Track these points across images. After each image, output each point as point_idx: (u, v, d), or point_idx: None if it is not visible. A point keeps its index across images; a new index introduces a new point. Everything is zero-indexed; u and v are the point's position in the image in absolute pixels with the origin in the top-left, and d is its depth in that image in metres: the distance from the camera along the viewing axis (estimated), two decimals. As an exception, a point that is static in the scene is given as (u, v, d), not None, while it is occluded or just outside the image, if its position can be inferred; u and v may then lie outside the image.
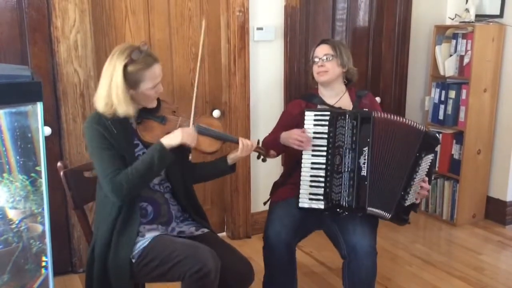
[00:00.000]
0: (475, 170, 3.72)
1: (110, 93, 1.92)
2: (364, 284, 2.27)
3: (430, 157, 2.28)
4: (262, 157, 2.26)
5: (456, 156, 3.73)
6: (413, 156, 2.24)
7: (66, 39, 2.73)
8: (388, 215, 2.25)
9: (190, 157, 2.03)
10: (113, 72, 1.91)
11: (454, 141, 3.73)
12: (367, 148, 2.23)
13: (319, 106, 2.48)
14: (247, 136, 3.34)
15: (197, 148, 2.08)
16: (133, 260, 1.96)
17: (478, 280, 2.97)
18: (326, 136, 2.27)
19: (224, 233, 3.53)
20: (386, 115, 2.27)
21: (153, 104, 2.05)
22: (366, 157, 2.23)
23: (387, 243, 3.42)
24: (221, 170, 2.23)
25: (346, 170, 2.24)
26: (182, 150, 2.05)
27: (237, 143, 2.14)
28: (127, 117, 1.99)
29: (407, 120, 2.29)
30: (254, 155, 2.28)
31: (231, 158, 2.19)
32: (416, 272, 3.07)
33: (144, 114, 2.05)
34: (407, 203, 2.26)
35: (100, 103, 1.96)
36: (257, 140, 2.23)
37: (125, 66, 1.90)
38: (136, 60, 1.91)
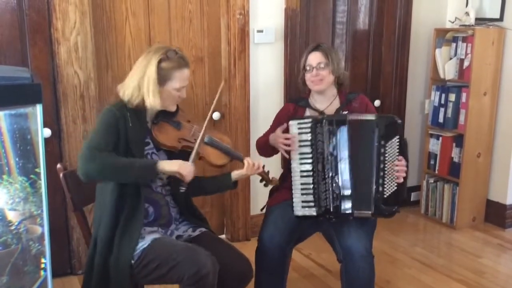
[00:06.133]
0: (475, 173, 3.72)
1: (141, 85, 1.99)
2: (362, 287, 2.27)
3: (394, 140, 2.24)
4: (264, 182, 2.32)
5: (456, 159, 3.72)
6: (374, 147, 2.24)
7: (66, 40, 2.73)
8: (369, 213, 2.25)
9: (182, 190, 2.04)
10: (147, 65, 1.99)
11: (454, 144, 3.73)
12: (346, 151, 2.24)
13: (306, 111, 2.49)
14: (246, 138, 3.34)
15: (206, 159, 2.13)
16: (132, 262, 1.96)
17: (477, 283, 2.96)
18: (309, 143, 2.29)
19: (223, 236, 3.53)
20: (358, 116, 2.29)
21: (173, 108, 2.10)
22: (346, 160, 2.24)
23: (387, 246, 3.42)
24: (224, 186, 2.27)
25: (329, 176, 2.26)
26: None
27: (242, 161, 2.19)
28: (145, 115, 2.05)
29: (365, 116, 2.30)
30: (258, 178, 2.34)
31: (236, 174, 2.22)
32: (415, 275, 3.07)
33: (162, 116, 2.10)
34: (386, 193, 2.25)
35: (127, 92, 2.01)
36: (263, 165, 2.26)
37: (160, 62, 1.98)
38: (170, 58, 2.00)
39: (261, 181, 2.33)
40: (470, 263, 3.22)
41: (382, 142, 2.24)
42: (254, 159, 2.24)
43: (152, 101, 1.99)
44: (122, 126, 1.96)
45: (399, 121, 2.27)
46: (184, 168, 1.96)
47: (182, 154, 2.08)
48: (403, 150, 2.27)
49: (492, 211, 3.81)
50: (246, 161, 2.19)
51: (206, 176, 2.33)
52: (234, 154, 2.22)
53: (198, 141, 2.08)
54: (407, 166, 2.28)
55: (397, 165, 2.23)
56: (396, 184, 2.25)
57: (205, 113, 3.25)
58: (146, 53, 2.04)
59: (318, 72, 2.42)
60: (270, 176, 2.35)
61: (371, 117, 2.28)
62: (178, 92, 2.05)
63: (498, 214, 3.78)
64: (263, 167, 2.26)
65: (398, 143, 2.25)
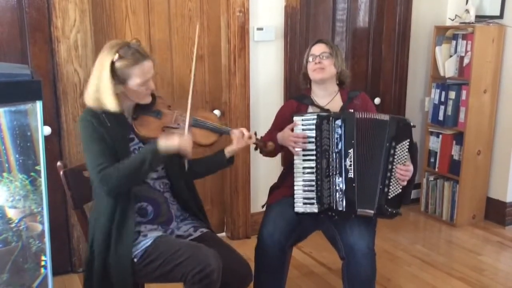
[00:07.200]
0: (475, 171, 3.72)
1: (99, 89, 1.93)
2: (364, 285, 2.26)
3: (405, 143, 2.25)
4: (259, 149, 2.24)
5: (456, 157, 3.73)
6: (383, 147, 2.24)
7: (66, 39, 2.73)
8: (371, 212, 2.25)
9: (186, 166, 2.04)
10: (101, 68, 1.93)
11: (454, 142, 3.73)
12: (352, 149, 2.24)
13: (309, 109, 2.49)
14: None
15: (194, 140, 2.07)
16: (135, 260, 1.96)
17: (477, 281, 2.97)
18: (314, 140, 2.29)
19: (223, 234, 3.53)
20: (367, 114, 2.28)
21: (147, 101, 2.05)
22: (352, 158, 2.24)
23: (387, 244, 3.42)
24: (219, 164, 2.23)
25: (334, 173, 2.26)
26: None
27: (229, 134, 2.13)
28: (121, 112, 2.00)
29: (378, 115, 2.29)
30: (253, 146, 2.26)
31: (228, 151, 2.17)
32: (415, 272, 3.07)
33: (140, 110, 2.06)
34: (391, 195, 2.25)
35: (89, 98, 1.96)
36: (254, 132, 2.20)
37: (113, 63, 1.91)
38: (123, 56, 1.92)
39: (255, 149, 2.24)
40: (470, 261, 3.22)
41: (393, 144, 2.23)
42: (243, 128, 2.16)
43: (110, 105, 1.92)
44: (101, 129, 1.93)
45: (412, 124, 2.27)
46: (184, 144, 1.93)
47: None
48: (412, 154, 2.27)
49: (492, 208, 3.81)
50: (233, 134, 2.12)
51: (200, 157, 2.27)
52: (221, 129, 2.15)
53: (188, 111, 2.02)
54: (415, 170, 2.27)
55: (401, 169, 2.23)
56: (401, 187, 2.26)
57: (205, 111, 3.28)
58: (101, 52, 1.96)
59: (321, 60, 2.44)
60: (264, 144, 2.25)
61: (384, 117, 2.27)
62: (144, 86, 1.98)
63: (498, 211, 3.78)
64: (255, 134, 2.18)
65: (408, 147, 2.25)
